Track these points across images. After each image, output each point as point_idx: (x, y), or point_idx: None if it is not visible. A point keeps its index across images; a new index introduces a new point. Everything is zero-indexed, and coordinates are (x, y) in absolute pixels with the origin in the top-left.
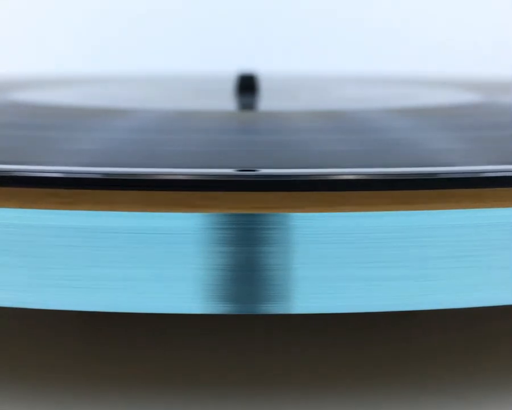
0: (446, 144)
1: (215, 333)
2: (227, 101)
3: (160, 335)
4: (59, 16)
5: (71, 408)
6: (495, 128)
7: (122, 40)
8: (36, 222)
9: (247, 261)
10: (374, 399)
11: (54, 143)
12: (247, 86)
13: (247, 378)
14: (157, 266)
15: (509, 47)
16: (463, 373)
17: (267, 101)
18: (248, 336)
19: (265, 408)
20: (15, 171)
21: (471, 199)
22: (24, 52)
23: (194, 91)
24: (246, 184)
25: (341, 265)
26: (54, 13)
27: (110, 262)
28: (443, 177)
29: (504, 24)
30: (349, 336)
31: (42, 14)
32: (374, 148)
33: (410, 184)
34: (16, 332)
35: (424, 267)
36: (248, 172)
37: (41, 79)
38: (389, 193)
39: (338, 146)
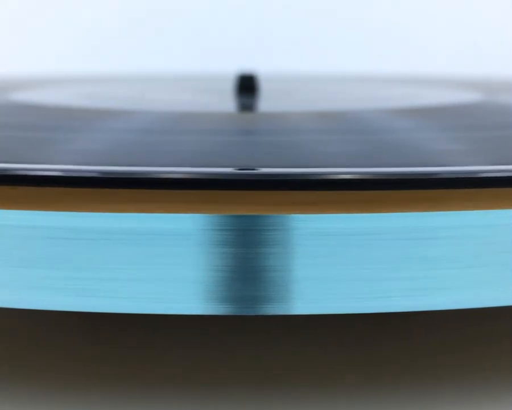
0: (446, 144)
1: (216, 334)
2: (227, 101)
3: (160, 335)
4: (59, 16)
5: (71, 408)
6: (495, 128)
7: (121, 40)
8: (35, 222)
9: (247, 262)
10: (374, 399)
11: (53, 143)
12: (247, 86)
13: (247, 379)
14: (157, 267)
15: (509, 47)
16: (463, 373)
17: (267, 101)
18: (249, 336)
19: (265, 408)
20: (13, 171)
21: (470, 199)
22: (24, 52)
23: (194, 92)
24: (246, 183)
25: (341, 266)
26: (54, 13)
27: (110, 263)
28: (443, 177)
29: (504, 24)
30: (349, 337)
31: (42, 14)
32: (374, 148)
33: (410, 184)
34: (16, 332)
35: (424, 268)
36: (248, 172)
37: (41, 79)
38: (389, 194)
39: (338, 146)
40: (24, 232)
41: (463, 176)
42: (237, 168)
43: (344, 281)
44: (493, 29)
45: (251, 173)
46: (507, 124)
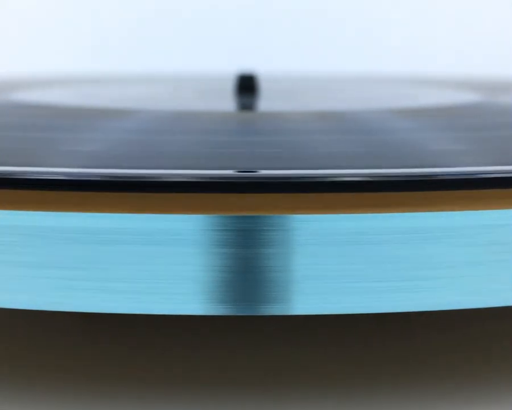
0: (446, 144)
1: (216, 334)
2: (227, 101)
3: (160, 335)
4: (59, 16)
5: (71, 408)
6: (495, 128)
7: (121, 40)
8: (35, 223)
9: (247, 263)
10: (374, 399)
11: (53, 144)
12: (246, 86)
13: (247, 378)
14: (157, 267)
15: (509, 47)
16: (464, 373)
17: (266, 101)
18: (249, 336)
19: (266, 408)
20: (14, 173)
21: (470, 200)
22: (24, 52)
23: (194, 91)
24: (246, 185)
25: (341, 266)
26: (54, 13)
27: (110, 264)
28: (443, 178)
29: (504, 24)
30: (348, 337)
31: (43, 14)
32: (374, 149)
33: (410, 185)
34: (16, 332)
35: (424, 268)
36: (249, 173)
37: (41, 79)
38: (389, 195)
39: (338, 147)
40: (24, 232)
41: (463, 177)
42: (237, 170)
43: (344, 281)
44: (493, 29)
45: (251, 175)
46: (507, 124)
